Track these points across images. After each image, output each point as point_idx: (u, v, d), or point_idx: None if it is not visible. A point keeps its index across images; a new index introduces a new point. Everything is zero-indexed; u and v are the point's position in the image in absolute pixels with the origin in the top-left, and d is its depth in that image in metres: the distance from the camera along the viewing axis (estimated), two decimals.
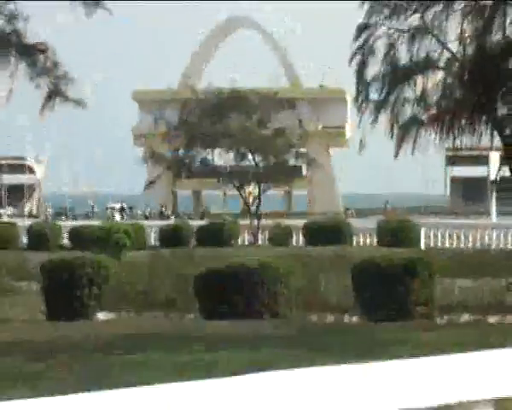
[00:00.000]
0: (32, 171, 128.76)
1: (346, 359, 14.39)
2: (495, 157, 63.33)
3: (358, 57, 33.52)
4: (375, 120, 33.59)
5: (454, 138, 36.07)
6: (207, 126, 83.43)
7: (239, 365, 16.02)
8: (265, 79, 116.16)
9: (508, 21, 30.99)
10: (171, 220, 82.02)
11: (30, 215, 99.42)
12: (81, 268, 31.65)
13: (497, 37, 30.91)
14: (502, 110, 33.33)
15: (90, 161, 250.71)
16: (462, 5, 31.60)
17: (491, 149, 47.90)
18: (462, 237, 58.24)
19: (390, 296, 28.94)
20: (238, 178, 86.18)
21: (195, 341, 22.30)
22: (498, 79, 31.08)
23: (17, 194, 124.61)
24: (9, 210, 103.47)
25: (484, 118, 33.88)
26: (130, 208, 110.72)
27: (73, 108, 30.65)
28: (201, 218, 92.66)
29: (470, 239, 57.76)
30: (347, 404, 10.59)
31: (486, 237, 58.59)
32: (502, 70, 30.82)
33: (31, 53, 29.68)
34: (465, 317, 30.89)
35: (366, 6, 32.50)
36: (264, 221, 68.01)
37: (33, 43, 29.95)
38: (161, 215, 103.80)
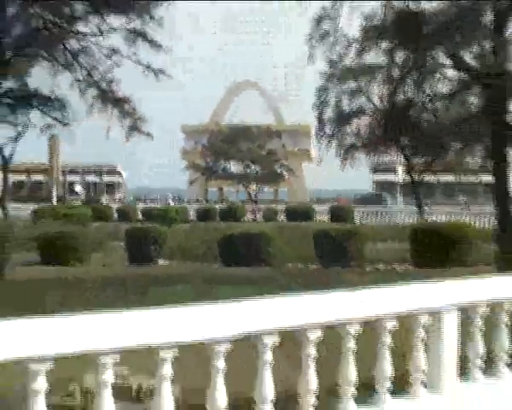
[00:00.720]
0: (120, 174, 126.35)
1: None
2: (400, 168, 62.34)
3: (319, 106, 33.92)
4: (329, 146, 34.05)
5: (375, 157, 36.81)
6: (226, 148, 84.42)
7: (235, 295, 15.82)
8: (262, 118, 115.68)
9: (408, 87, 31.13)
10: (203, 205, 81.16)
11: (119, 201, 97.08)
12: (149, 233, 30.87)
13: (401, 97, 31.14)
14: (404, 141, 33.99)
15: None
16: (380, 76, 31.92)
17: (398, 163, 48.14)
18: (379, 217, 56.66)
19: (336, 253, 28.03)
20: (245, 180, 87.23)
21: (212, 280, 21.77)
22: (402, 123, 31.30)
23: (111, 188, 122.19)
24: (106, 198, 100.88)
25: (393, 145, 34.63)
26: (179, 198, 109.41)
27: (145, 138, 31.17)
28: (222, 204, 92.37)
29: (386, 219, 56.29)
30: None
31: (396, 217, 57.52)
32: (404, 117, 31.04)
33: (120, 103, 30.21)
34: (381, 266, 29.64)
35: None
36: (260, 206, 68.38)
37: (121, 97, 30.41)
38: (197, 202, 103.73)
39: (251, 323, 6.58)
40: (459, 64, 29.05)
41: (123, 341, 5.84)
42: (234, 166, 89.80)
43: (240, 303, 6.68)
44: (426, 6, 29.53)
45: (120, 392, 7.24)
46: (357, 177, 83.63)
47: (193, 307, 6.41)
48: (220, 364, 6.33)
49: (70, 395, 7.92)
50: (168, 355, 6.05)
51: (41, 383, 5.50)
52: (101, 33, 28.34)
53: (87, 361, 5.99)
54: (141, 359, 6.49)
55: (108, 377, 5.82)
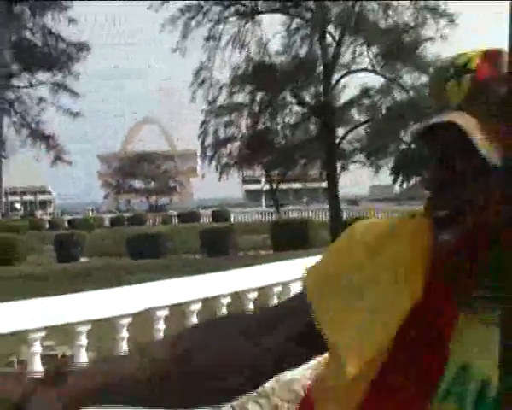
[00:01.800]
0: (50, 193, 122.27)
1: None
2: (263, 179, 61.87)
3: (201, 135, 34.06)
4: (209, 165, 34.24)
5: (244, 171, 36.84)
6: (132, 169, 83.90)
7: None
8: (159, 145, 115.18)
9: (265, 119, 31.43)
10: (115, 214, 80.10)
11: (50, 214, 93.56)
12: (72, 237, 30.68)
13: (261, 126, 31.51)
14: (264, 159, 34.26)
15: None
16: (246, 111, 32.20)
17: (261, 175, 48.17)
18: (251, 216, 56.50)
19: (217, 245, 27.03)
20: (147, 193, 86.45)
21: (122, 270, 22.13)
22: (262, 145, 31.50)
23: (43, 204, 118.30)
24: (40, 213, 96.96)
25: (257, 162, 34.92)
26: (97, 209, 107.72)
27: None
28: (129, 212, 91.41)
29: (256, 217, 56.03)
30: None
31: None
32: (263, 141, 31.29)
33: (46, 139, 29.83)
34: (251, 252, 28.68)
35: None
36: (159, 213, 68.71)
37: (48, 134, 29.97)
38: (110, 212, 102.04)
39: (148, 301, 6.56)
40: (301, 101, 29.66)
41: (49, 320, 5.78)
42: (138, 183, 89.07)
43: (137, 286, 6.68)
44: (275, 60, 30.09)
45: (49, 360, 7.19)
46: (232, 187, 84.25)
47: (102, 291, 6.39)
48: (124, 334, 6.30)
49: (9, 364, 7.79)
50: (84, 329, 6.01)
51: None
52: (32, 86, 28.17)
53: (22, 338, 5.93)
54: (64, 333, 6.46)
55: (37, 348, 5.77)
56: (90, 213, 76.58)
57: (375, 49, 27.86)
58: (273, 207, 46.19)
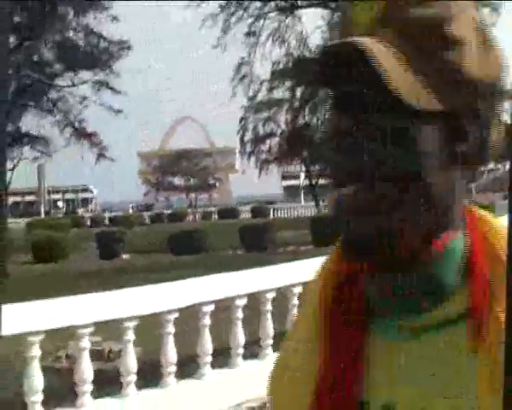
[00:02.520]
0: (91, 191, 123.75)
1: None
2: (302, 175, 61.88)
3: (241, 132, 34.19)
4: (248, 161, 34.34)
5: (284, 167, 36.86)
6: (171, 166, 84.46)
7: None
8: (198, 143, 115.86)
9: (305, 114, 31.42)
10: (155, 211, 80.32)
11: (91, 212, 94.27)
12: (114, 234, 31.20)
13: (301, 121, 31.49)
14: (304, 154, 34.27)
15: None
16: (285, 106, 32.18)
17: (300, 171, 48.27)
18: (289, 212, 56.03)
19: (256, 240, 27.19)
20: (186, 190, 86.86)
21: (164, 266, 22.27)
22: (301, 141, 31.54)
23: (85, 202, 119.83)
24: (81, 211, 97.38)
25: (296, 158, 34.91)
26: (137, 206, 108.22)
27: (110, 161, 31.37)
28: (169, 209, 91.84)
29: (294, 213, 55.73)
30: None
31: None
32: (303, 137, 31.29)
33: (89, 137, 30.26)
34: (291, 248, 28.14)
35: None
36: (198, 209, 68.94)
37: (90, 132, 30.31)
38: (149, 209, 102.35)
39: (194, 296, 6.57)
40: None
41: (97, 316, 5.82)
42: (177, 180, 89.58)
43: (183, 281, 6.70)
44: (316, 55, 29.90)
45: (96, 355, 7.27)
46: (271, 183, 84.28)
47: (150, 286, 6.43)
48: (171, 329, 6.33)
49: (58, 359, 7.86)
50: (131, 324, 6.05)
51: (35, 351, 5.48)
52: (74, 85, 28.54)
53: (71, 333, 5.99)
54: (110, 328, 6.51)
55: (86, 343, 5.82)
56: (131, 211, 77.30)
57: None
58: (312, 202, 46.01)
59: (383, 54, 0.82)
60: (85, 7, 21.55)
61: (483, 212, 0.93)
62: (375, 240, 0.83)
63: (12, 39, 18.31)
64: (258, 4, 28.37)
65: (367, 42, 0.82)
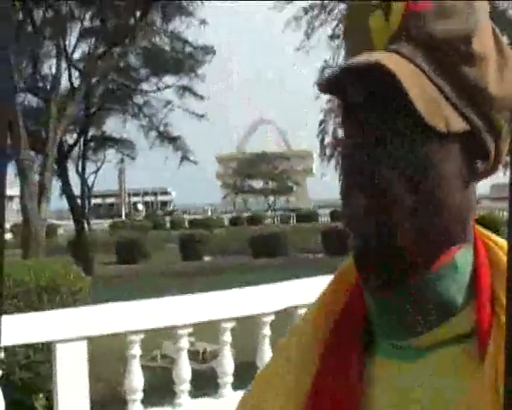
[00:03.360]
0: (170, 194, 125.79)
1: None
2: None
3: (321, 135, 34.16)
4: (328, 164, 34.25)
5: None
6: (249, 170, 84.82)
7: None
8: (275, 146, 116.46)
9: None
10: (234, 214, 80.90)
11: (170, 214, 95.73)
12: (195, 237, 31.48)
13: None
14: None
15: None
16: None
17: None
18: None
19: (340, 244, 26.63)
20: (265, 193, 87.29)
21: (246, 269, 22.42)
22: None
23: (164, 205, 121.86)
24: (161, 213, 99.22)
25: None
26: (215, 209, 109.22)
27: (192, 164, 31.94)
28: (247, 212, 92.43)
29: None
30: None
31: None
32: None
33: (173, 141, 30.72)
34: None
35: None
36: (277, 212, 69.24)
37: (174, 136, 30.79)
38: (227, 213, 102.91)
39: (290, 299, 6.56)
40: None
41: (196, 317, 5.88)
42: (256, 183, 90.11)
43: (279, 284, 6.69)
44: None
45: (190, 356, 7.34)
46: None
47: (246, 289, 6.45)
48: (267, 331, 6.33)
49: (153, 358, 7.99)
50: (228, 326, 6.09)
51: (136, 350, 5.58)
52: (159, 89, 29.09)
53: (162, 333, 6.08)
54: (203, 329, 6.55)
55: (184, 344, 5.89)
56: (210, 213, 78.14)
57: None
58: None
59: (407, 72, 0.79)
60: (172, 12, 21.89)
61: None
62: (387, 254, 0.81)
63: (100, 46, 18.76)
64: (342, 7, 28.23)
65: (390, 60, 0.79)
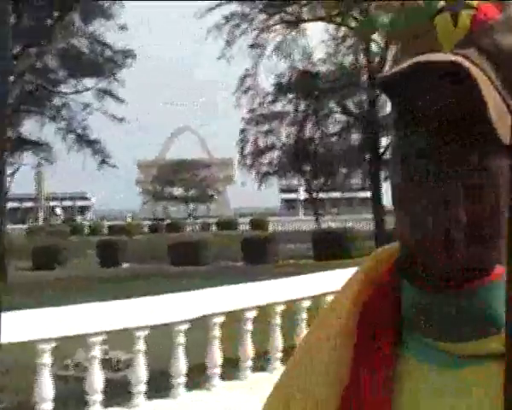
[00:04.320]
0: (89, 199, 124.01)
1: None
2: (302, 188, 61.33)
3: (241, 143, 34.28)
4: (249, 173, 34.43)
5: (284, 180, 36.88)
6: (170, 177, 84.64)
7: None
8: (196, 153, 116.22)
9: (307, 128, 31.43)
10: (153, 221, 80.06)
11: (89, 220, 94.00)
12: (114, 243, 31.24)
13: (303, 135, 31.53)
14: (305, 168, 34.22)
15: None
16: (287, 119, 32.29)
17: (300, 184, 48.39)
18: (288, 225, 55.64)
19: (258, 252, 26.91)
20: (185, 200, 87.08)
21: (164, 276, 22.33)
22: (303, 155, 31.56)
23: (83, 209, 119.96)
24: (80, 218, 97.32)
25: (297, 171, 34.86)
26: (134, 216, 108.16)
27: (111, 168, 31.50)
28: (167, 219, 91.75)
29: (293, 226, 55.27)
30: None
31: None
32: (305, 150, 31.30)
33: (92, 144, 30.26)
34: (291, 261, 28.39)
35: None
36: (197, 220, 69.26)
37: (93, 139, 30.35)
38: (148, 219, 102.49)
39: (205, 307, 6.54)
40: (345, 110, 29.58)
41: (108, 325, 5.79)
42: (177, 191, 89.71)
43: (194, 292, 6.67)
44: (320, 68, 30.08)
45: (103, 364, 7.21)
46: (270, 195, 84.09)
47: (160, 297, 6.39)
48: (182, 340, 6.30)
49: (65, 367, 7.81)
50: (142, 334, 6.02)
51: (47, 359, 5.45)
52: (78, 92, 28.51)
53: (76, 340, 5.95)
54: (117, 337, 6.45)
55: (97, 352, 5.78)
56: (129, 220, 77.24)
57: None
58: (310, 216, 46.01)
59: (482, 79, 0.76)
60: (92, 14, 21.54)
61: None
62: (453, 254, 0.80)
63: (16, 45, 18.26)
64: (263, 17, 28.46)
65: (470, 65, 0.76)
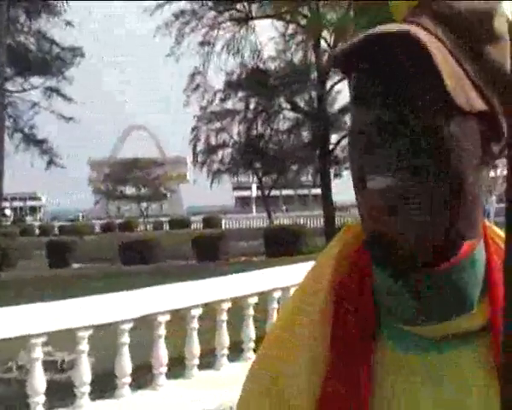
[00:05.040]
0: (40, 199, 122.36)
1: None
2: (254, 186, 61.65)
3: (193, 141, 34.23)
4: (201, 171, 34.41)
5: (236, 177, 36.97)
6: (122, 175, 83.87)
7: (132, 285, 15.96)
8: (149, 152, 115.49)
9: (258, 125, 31.51)
10: (106, 220, 79.20)
11: (39, 220, 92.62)
12: (64, 244, 30.89)
13: (254, 132, 31.70)
14: (256, 165, 34.28)
15: None
16: (238, 117, 32.31)
17: (252, 182, 48.53)
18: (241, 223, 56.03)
19: (209, 250, 27.15)
20: (137, 199, 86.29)
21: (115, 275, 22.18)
22: (254, 152, 31.65)
23: (33, 210, 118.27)
24: (30, 219, 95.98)
25: (249, 169, 34.95)
26: (86, 215, 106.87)
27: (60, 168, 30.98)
28: (120, 219, 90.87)
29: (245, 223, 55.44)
30: None
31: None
32: (256, 148, 31.41)
33: (39, 144, 29.78)
34: (243, 258, 28.38)
35: None
36: (150, 219, 68.69)
37: (41, 139, 29.88)
38: (100, 219, 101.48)
39: (149, 306, 6.49)
40: (295, 108, 29.72)
41: (50, 325, 5.70)
42: (129, 190, 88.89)
43: (139, 291, 6.62)
44: (270, 66, 30.20)
45: (48, 366, 7.13)
46: (223, 193, 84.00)
47: (103, 296, 6.32)
48: (126, 339, 6.24)
49: (8, 369, 7.69)
50: (85, 334, 5.95)
51: None
52: (24, 90, 28.07)
53: (20, 342, 5.85)
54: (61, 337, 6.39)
55: (39, 354, 5.69)
56: (81, 219, 76.49)
57: None
58: (263, 213, 46.14)
59: (434, 46, 0.76)
60: (37, 10, 21.19)
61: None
62: (400, 236, 0.78)
63: None
64: (213, 14, 28.42)
65: (421, 34, 0.75)
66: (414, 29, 0.76)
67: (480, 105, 0.80)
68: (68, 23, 22.36)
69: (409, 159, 0.78)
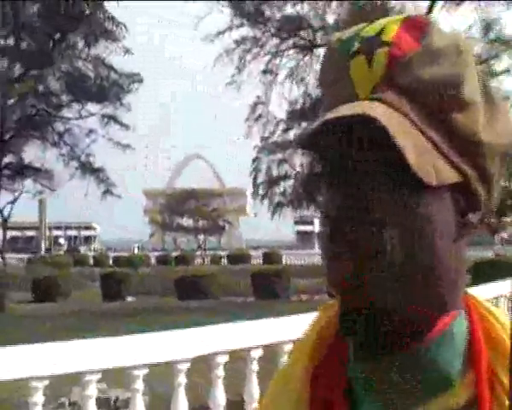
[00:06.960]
0: (95, 228, 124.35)
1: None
2: (316, 220, 61.75)
3: (254, 173, 34.35)
4: (261, 203, 34.42)
5: (298, 211, 36.90)
6: (179, 206, 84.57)
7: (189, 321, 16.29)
8: (207, 183, 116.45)
9: None
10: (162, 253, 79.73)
11: (94, 250, 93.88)
12: (118, 275, 31.16)
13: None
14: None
15: None
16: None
17: (315, 216, 48.35)
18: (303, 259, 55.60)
19: (269, 287, 27.48)
20: (195, 231, 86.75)
21: (170, 311, 22.33)
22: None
23: (88, 240, 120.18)
24: (84, 248, 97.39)
25: (311, 202, 34.76)
26: (142, 247, 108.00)
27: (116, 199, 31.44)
28: (176, 251, 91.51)
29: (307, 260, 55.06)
30: None
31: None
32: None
33: (96, 172, 30.34)
34: (303, 297, 28.69)
35: None
36: (207, 252, 68.80)
37: (97, 167, 30.40)
38: (156, 250, 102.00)
39: (207, 346, 6.49)
40: None
41: (105, 363, 5.74)
42: (185, 221, 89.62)
43: (197, 329, 6.62)
44: None
45: (102, 403, 7.18)
46: (284, 227, 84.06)
47: (159, 333, 6.35)
48: (183, 379, 6.24)
49: (60, 406, 7.79)
50: (140, 373, 5.97)
51: (38, 397, 5.42)
52: (81, 117, 28.69)
53: (74, 378, 5.91)
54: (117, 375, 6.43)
55: (92, 391, 5.74)
56: (136, 251, 77.30)
57: None
58: None
59: (395, 122, 0.77)
60: (95, 36, 21.73)
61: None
62: (372, 316, 0.79)
63: (17, 67, 18.39)
64: (276, 42, 28.57)
65: (377, 111, 0.77)
66: (371, 108, 0.77)
67: (450, 175, 0.79)
68: (127, 50, 22.84)
69: (373, 243, 0.78)
